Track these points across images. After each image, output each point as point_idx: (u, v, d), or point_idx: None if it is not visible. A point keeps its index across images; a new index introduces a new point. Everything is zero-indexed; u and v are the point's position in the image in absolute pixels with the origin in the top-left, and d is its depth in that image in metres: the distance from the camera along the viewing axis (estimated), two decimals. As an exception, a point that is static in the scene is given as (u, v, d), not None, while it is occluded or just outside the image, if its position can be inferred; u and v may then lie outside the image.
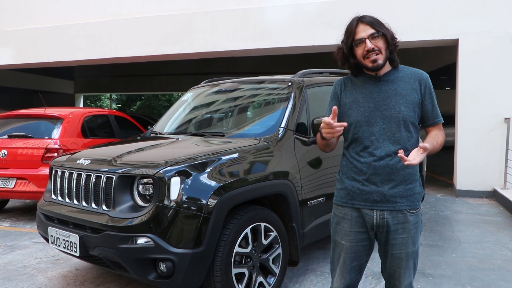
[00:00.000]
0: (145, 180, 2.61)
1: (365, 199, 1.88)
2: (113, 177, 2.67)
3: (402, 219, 1.86)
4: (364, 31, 1.82)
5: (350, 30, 1.86)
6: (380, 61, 1.83)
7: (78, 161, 2.99)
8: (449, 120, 11.17)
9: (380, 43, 1.83)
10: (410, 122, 1.85)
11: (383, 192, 1.84)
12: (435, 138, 1.88)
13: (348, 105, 1.93)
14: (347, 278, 1.97)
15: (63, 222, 2.92)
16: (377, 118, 1.86)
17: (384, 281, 2.07)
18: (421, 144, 1.71)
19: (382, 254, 1.98)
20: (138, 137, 4.11)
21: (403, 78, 1.89)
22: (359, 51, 1.85)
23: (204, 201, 2.54)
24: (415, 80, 1.88)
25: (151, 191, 2.59)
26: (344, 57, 1.91)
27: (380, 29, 1.83)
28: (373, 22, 1.84)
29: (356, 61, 1.89)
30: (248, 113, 3.99)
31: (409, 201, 1.86)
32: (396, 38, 1.88)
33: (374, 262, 2.05)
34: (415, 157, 1.68)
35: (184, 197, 2.52)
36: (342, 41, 1.91)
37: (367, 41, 1.81)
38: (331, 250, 2.04)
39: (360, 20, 1.85)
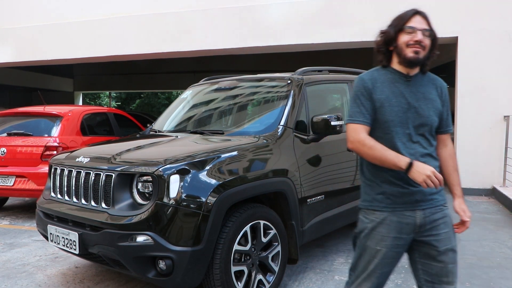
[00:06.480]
0: (145, 178, 2.61)
1: (406, 201, 1.84)
2: (112, 175, 2.67)
3: (442, 214, 1.90)
4: (419, 22, 1.81)
5: (404, 17, 1.84)
6: (421, 56, 1.81)
7: (77, 159, 2.99)
8: (449, 118, 11.17)
9: (428, 42, 1.82)
10: (434, 127, 1.88)
11: (423, 191, 1.84)
12: (453, 166, 2.02)
13: (380, 102, 1.83)
14: (374, 283, 1.90)
15: (63, 220, 2.92)
16: (409, 120, 1.83)
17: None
18: (463, 216, 2.02)
19: (421, 262, 1.90)
20: (138, 135, 4.11)
21: (428, 83, 1.89)
22: (405, 37, 1.81)
23: (204, 199, 2.54)
24: (437, 87, 1.91)
25: (150, 189, 2.59)
26: (385, 41, 1.86)
27: (433, 30, 1.83)
28: (429, 21, 1.84)
29: (395, 47, 1.84)
30: (247, 111, 3.99)
31: (441, 196, 1.91)
32: (437, 51, 1.88)
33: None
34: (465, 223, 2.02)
35: (183, 195, 2.52)
36: (389, 26, 1.88)
37: (419, 32, 1.79)
38: (357, 256, 1.94)
39: (418, 12, 1.84)
